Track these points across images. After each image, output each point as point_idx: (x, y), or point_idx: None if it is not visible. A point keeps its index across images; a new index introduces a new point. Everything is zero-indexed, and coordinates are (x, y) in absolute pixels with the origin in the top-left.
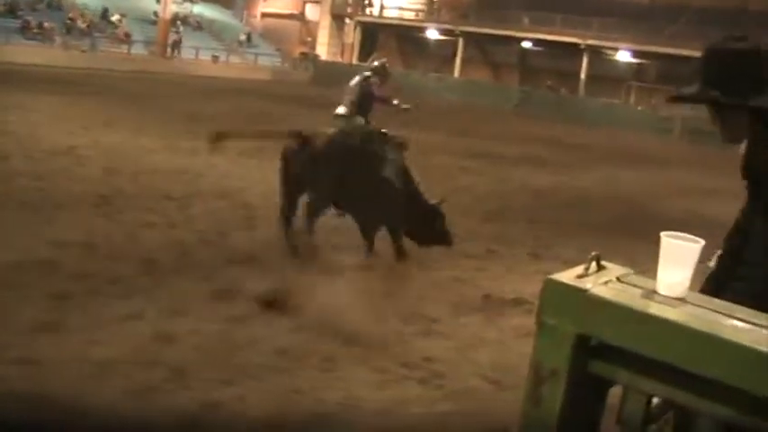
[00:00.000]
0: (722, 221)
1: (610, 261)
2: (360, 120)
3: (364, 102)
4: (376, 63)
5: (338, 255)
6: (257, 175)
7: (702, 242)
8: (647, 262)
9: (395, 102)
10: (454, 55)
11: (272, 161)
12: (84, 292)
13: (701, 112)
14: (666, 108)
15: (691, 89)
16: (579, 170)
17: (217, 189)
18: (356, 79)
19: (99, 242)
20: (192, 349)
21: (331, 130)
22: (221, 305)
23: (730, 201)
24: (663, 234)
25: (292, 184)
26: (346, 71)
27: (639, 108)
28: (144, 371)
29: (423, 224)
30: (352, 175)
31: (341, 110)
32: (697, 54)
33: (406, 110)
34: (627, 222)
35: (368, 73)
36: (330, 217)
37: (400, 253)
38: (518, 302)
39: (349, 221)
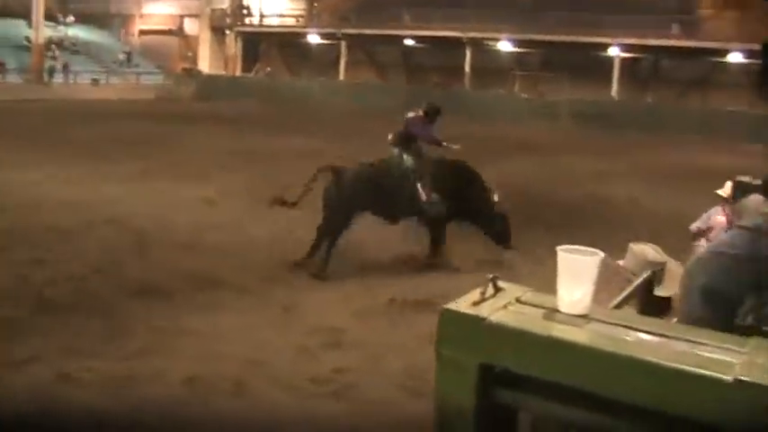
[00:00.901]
0: (616, 203)
1: (514, 253)
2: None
3: (406, 135)
4: (427, 103)
5: (243, 273)
6: (146, 199)
7: (601, 254)
8: (549, 252)
9: (444, 143)
10: (338, 58)
11: (164, 182)
12: None
13: (585, 95)
14: (552, 94)
15: None
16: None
17: (106, 216)
18: (409, 114)
19: None
20: (96, 387)
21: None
22: (121, 339)
23: (619, 181)
24: (559, 248)
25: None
26: (230, 83)
27: (525, 96)
28: (46, 415)
29: (489, 225)
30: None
31: (389, 137)
32: (576, 39)
33: (456, 149)
34: (527, 212)
35: (412, 114)
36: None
37: (437, 249)
38: (425, 304)
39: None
